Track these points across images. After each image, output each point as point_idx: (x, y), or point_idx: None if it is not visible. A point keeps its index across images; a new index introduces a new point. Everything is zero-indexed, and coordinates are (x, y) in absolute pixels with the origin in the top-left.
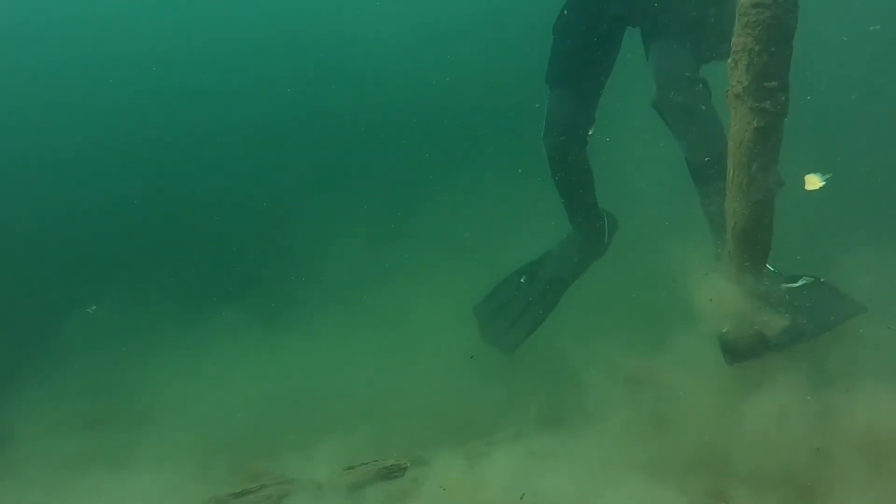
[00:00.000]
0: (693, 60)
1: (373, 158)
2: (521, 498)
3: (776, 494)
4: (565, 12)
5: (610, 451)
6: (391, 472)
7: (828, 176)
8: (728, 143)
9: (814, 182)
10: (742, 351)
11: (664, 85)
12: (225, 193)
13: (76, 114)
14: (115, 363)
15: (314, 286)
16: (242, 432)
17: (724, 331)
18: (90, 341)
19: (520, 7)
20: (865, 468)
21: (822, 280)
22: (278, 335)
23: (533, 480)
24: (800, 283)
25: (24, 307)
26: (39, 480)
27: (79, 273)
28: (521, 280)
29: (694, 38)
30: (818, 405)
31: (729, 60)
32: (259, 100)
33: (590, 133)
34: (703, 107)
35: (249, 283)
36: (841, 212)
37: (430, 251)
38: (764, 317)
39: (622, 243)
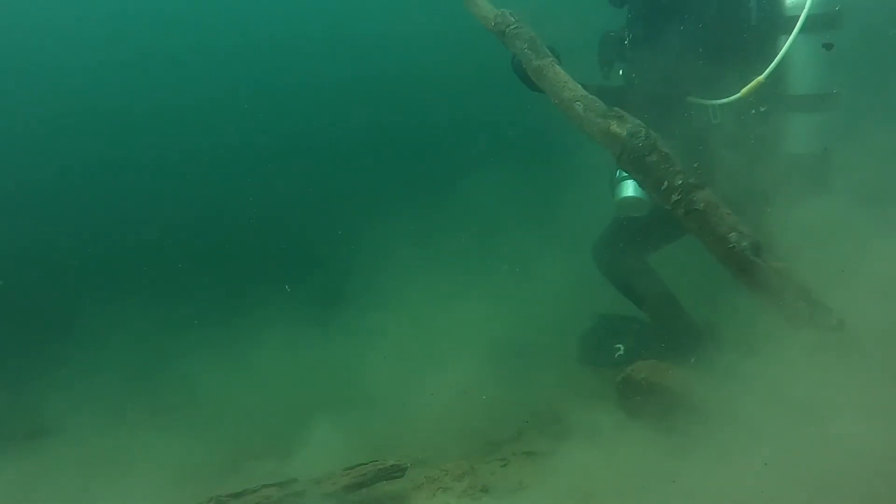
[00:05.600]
0: None
1: (414, 162)
2: None
3: None
4: None
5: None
6: (391, 472)
7: None
8: None
9: None
10: None
11: None
12: (267, 193)
13: (131, 111)
14: (159, 357)
15: (348, 284)
16: (249, 431)
17: None
18: (138, 335)
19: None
20: None
21: None
22: (305, 334)
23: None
24: None
25: (73, 302)
26: (73, 475)
27: (124, 268)
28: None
29: None
30: None
31: None
32: (305, 104)
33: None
34: None
35: (285, 281)
36: None
37: (464, 253)
38: None
39: None
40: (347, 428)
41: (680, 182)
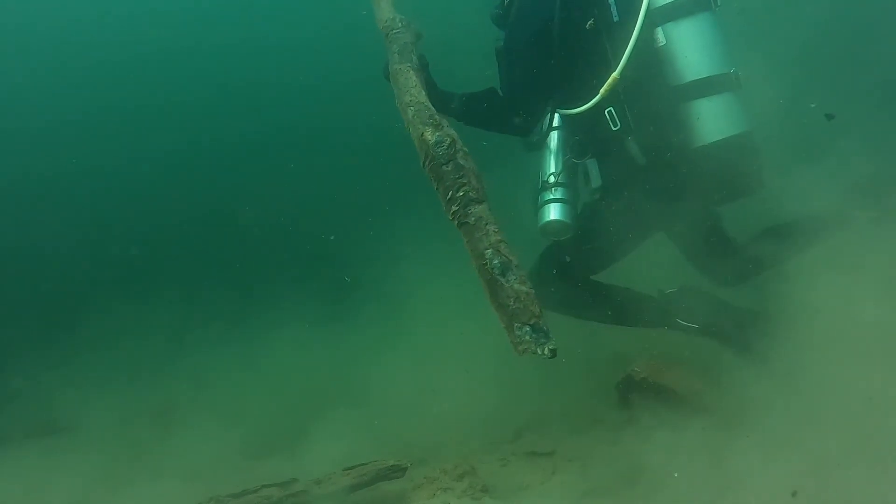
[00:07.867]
0: None
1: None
2: None
3: None
4: None
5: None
6: (391, 472)
7: None
8: None
9: None
10: None
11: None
12: (281, 193)
13: (145, 110)
14: (167, 356)
15: (356, 285)
16: (251, 430)
17: None
18: (146, 334)
19: None
20: None
21: None
22: (313, 334)
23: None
24: None
25: (84, 300)
26: (81, 474)
27: (134, 267)
28: None
29: None
30: None
31: None
32: (316, 103)
33: None
34: None
35: (294, 282)
36: None
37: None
38: None
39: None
40: (348, 428)
41: (461, 194)
